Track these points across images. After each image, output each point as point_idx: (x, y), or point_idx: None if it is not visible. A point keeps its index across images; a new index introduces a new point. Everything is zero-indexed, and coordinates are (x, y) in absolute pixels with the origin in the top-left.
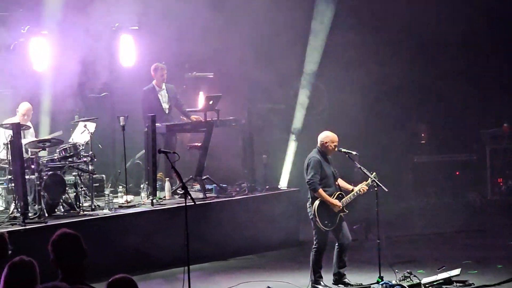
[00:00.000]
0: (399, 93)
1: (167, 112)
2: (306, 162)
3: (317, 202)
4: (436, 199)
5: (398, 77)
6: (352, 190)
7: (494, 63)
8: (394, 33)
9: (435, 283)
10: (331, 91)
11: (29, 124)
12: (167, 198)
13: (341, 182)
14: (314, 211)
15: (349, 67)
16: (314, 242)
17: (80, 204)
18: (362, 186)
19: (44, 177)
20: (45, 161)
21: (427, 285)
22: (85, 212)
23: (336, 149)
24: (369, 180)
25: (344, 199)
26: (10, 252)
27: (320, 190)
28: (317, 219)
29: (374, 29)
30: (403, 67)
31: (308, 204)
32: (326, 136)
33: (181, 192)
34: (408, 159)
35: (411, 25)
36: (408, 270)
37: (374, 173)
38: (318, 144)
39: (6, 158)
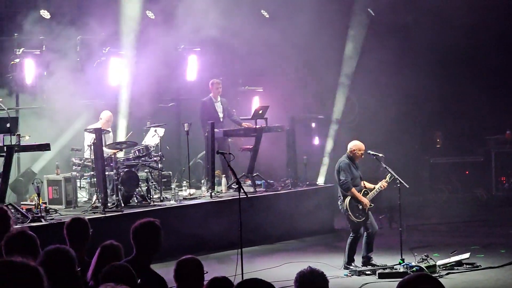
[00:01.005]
0: (419, 105)
1: (221, 120)
2: (337, 166)
3: (348, 199)
4: (449, 194)
5: (418, 92)
6: (374, 188)
7: (498, 82)
8: (417, 52)
9: (448, 265)
10: (361, 103)
11: (109, 129)
12: (223, 191)
13: (365, 183)
14: (346, 207)
15: (377, 83)
16: (351, 233)
17: (151, 196)
18: (382, 183)
19: (121, 173)
20: (122, 160)
21: (441, 266)
22: (155, 203)
23: (362, 156)
24: (387, 178)
25: (369, 195)
26: (91, 232)
27: (353, 189)
28: (350, 213)
29: (399, 49)
30: (423, 84)
31: (339, 201)
32: (355, 144)
33: (235, 187)
34: (425, 160)
35: (432, 45)
36: (425, 254)
37: (389, 175)
38: (348, 151)
39: (89, 157)
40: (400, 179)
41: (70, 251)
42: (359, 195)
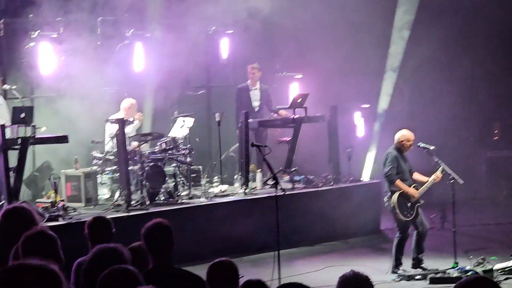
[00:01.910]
0: (475, 93)
1: (256, 110)
2: (384, 157)
3: (396, 195)
4: (508, 190)
5: (475, 77)
6: (426, 181)
7: None
8: (475, 33)
9: (507, 269)
10: (411, 90)
11: (131, 119)
12: (258, 188)
13: (417, 175)
14: (394, 203)
15: (429, 68)
16: (398, 232)
17: (179, 193)
18: (437, 174)
19: (146, 168)
20: (147, 153)
21: (499, 271)
22: (183, 200)
23: (411, 147)
24: (439, 170)
25: (420, 189)
26: (113, 230)
27: (398, 181)
28: (397, 211)
29: (455, 30)
30: (481, 68)
31: (386, 197)
32: (403, 135)
33: (271, 183)
34: (482, 153)
35: (492, 24)
36: (481, 257)
37: (442, 167)
38: (395, 141)
39: (111, 150)
40: (453, 174)
41: (124, 252)
42: (406, 187)
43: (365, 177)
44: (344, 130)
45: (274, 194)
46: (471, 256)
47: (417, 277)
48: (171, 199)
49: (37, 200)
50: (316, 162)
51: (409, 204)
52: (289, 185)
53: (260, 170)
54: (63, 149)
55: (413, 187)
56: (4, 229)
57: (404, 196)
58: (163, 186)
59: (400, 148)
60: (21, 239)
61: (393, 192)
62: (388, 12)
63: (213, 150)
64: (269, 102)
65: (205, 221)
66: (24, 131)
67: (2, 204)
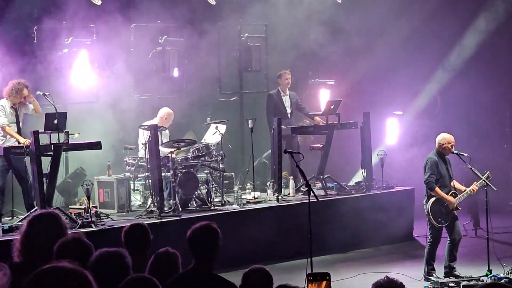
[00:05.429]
0: (508, 100)
1: (289, 116)
2: (424, 162)
3: (431, 201)
4: None
5: (507, 85)
6: (464, 190)
7: None
8: (505, 40)
9: None
10: (443, 96)
11: (165, 126)
12: (291, 195)
13: (455, 183)
14: (428, 209)
15: (462, 74)
16: (429, 237)
17: (211, 200)
18: (473, 187)
19: (179, 175)
20: (179, 160)
21: None
22: (216, 207)
23: (453, 149)
24: (480, 181)
25: (457, 197)
26: (151, 237)
27: (437, 189)
28: (431, 217)
29: (490, 38)
30: None
31: (424, 201)
32: (443, 138)
33: (304, 190)
34: None
35: None
36: None
37: (488, 172)
38: (437, 145)
39: (144, 156)
40: (487, 181)
41: (126, 257)
42: (444, 194)
43: (398, 184)
44: (377, 137)
45: (306, 201)
46: (504, 264)
47: (450, 284)
48: (203, 206)
49: (70, 206)
50: (349, 168)
51: (445, 211)
52: (322, 192)
53: (293, 177)
54: (96, 156)
55: (451, 194)
56: (30, 235)
57: (440, 203)
58: (196, 192)
59: (441, 151)
60: (55, 246)
61: (429, 198)
62: (420, 17)
63: (246, 157)
64: (300, 106)
65: (238, 227)
66: (57, 138)
67: (35, 210)
